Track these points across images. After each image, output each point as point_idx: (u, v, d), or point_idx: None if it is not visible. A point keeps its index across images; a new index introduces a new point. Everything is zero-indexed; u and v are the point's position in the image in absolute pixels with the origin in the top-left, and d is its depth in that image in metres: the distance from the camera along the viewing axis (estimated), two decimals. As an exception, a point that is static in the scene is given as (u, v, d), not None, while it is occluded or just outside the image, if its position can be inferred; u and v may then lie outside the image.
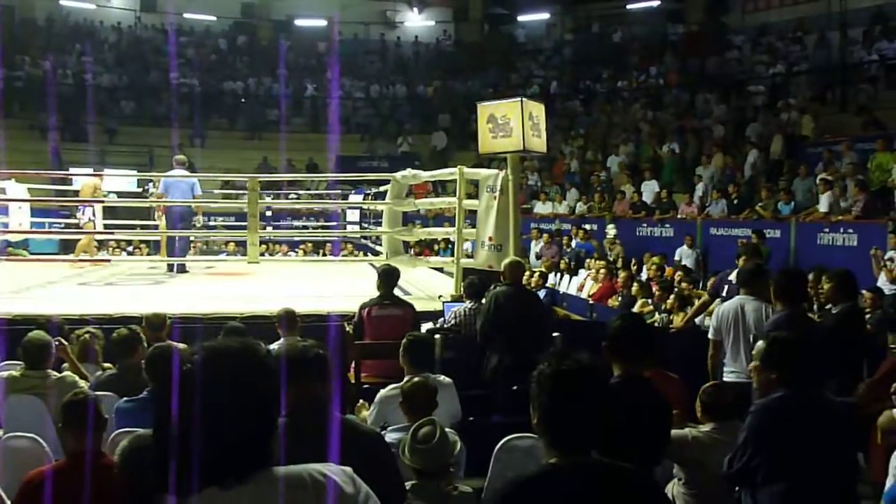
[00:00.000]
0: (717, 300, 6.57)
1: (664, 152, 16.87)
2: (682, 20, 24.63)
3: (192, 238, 11.78)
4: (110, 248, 15.67)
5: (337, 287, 9.21)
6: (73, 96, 22.53)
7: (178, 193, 10.25)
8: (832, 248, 11.29)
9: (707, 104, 18.78)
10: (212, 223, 16.42)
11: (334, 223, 18.82)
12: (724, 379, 5.00)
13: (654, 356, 3.85)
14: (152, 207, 12.21)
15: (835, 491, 3.20)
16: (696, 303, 8.11)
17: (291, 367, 2.61)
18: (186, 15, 27.61)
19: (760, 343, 3.48)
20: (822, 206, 12.02)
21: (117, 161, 20.11)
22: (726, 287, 6.19)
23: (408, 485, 3.00)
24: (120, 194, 15.01)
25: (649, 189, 15.68)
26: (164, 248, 11.41)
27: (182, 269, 10.62)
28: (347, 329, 6.49)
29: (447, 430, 3.22)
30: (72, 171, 16.14)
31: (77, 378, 4.79)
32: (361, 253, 16.11)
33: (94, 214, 11.34)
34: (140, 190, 15.02)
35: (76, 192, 12.08)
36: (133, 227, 13.45)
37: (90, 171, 15.84)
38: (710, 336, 5.39)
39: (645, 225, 14.90)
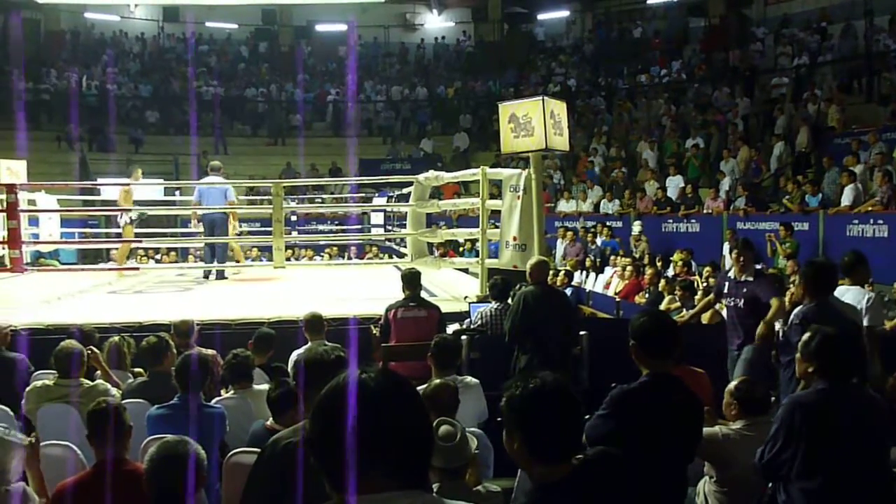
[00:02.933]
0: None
1: (688, 147, 16.72)
2: (704, 13, 24.44)
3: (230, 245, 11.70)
4: (138, 257, 15.83)
5: (363, 290, 9.24)
6: (98, 107, 22.84)
7: (210, 200, 10.21)
8: (861, 240, 11.10)
9: (731, 98, 18.60)
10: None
11: (358, 226, 18.88)
12: None
13: (681, 353, 3.82)
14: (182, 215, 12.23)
15: (870, 489, 3.14)
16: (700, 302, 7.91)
17: (312, 370, 2.63)
18: (208, 24, 27.88)
19: (806, 335, 3.43)
20: (846, 199, 11.85)
21: (143, 170, 20.20)
22: (726, 284, 6.08)
23: (434, 486, 3.00)
24: (148, 203, 15.14)
25: (674, 185, 15.55)
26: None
27: (221, 276, 10.57)
28: (374, 331, 6.51)
29: (470, 429, 3.23)
30: (100, 181, 16.32)
31: (108, 386, 4.86)
32: (386, 255, 16.13)
33: (130, 220, 11.38)
34: (168, 198, 15.14)
35: (109, 202, 12.11)
36: (162, 235, 13.57)
37: (121, 180, 16.00)
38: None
39: (671, 221, 14.79)
